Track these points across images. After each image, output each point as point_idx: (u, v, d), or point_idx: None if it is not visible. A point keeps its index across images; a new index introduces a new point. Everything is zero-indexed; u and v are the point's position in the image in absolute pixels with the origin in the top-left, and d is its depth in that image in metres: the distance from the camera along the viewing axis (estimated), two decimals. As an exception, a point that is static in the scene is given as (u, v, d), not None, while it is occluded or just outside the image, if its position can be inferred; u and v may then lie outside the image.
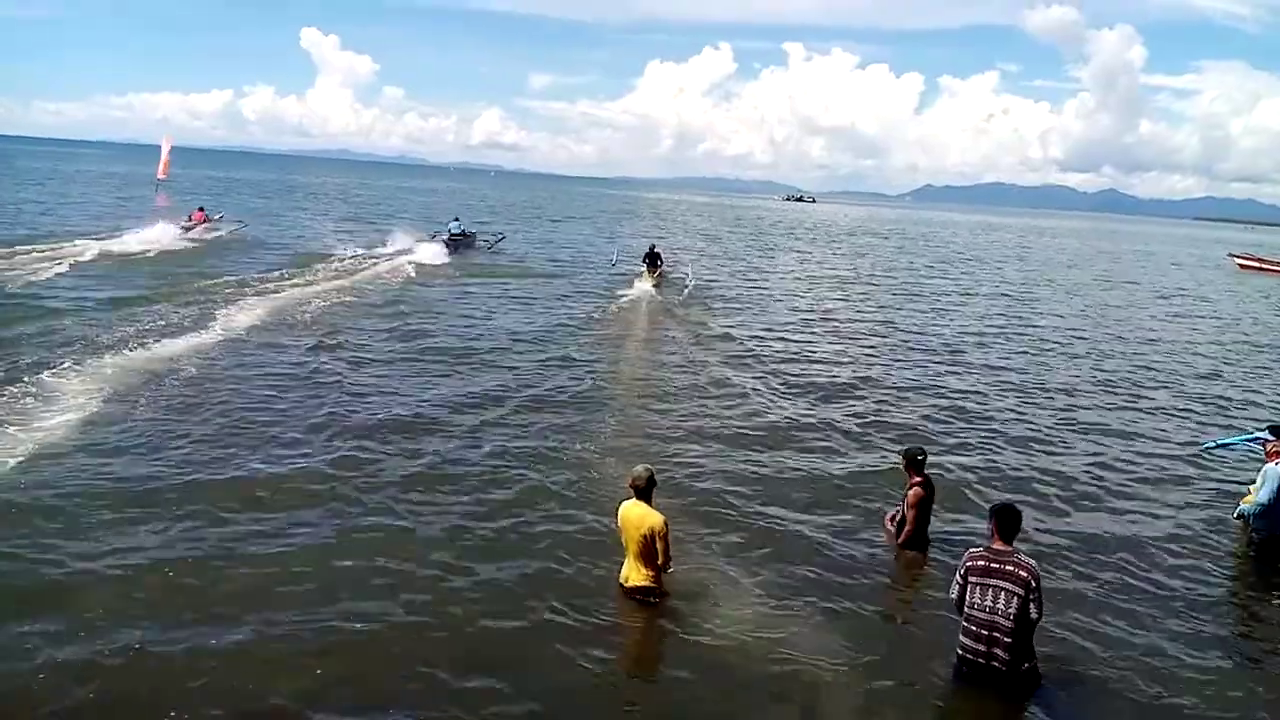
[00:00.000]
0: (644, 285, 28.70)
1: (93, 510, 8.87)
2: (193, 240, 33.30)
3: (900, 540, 9.17)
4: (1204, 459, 13.17)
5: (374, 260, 31.47)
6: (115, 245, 29.60)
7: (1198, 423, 15.85)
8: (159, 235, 31.97)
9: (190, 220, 36.21)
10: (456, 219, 39.77)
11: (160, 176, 59.39)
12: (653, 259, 30.57)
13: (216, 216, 38.62)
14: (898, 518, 9.35)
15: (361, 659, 6.70)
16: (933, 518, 9.36)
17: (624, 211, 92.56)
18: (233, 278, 24.92)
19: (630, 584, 7.74)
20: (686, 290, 28.67)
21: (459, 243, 36.13)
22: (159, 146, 61.57)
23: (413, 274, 29.17)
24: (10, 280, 21.90)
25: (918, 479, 9.07)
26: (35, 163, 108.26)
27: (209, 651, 6.60)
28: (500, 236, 39.86)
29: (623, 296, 27.27)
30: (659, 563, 7.63)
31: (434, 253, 33.56)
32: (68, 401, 12.22)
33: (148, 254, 29.05)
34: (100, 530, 8.46)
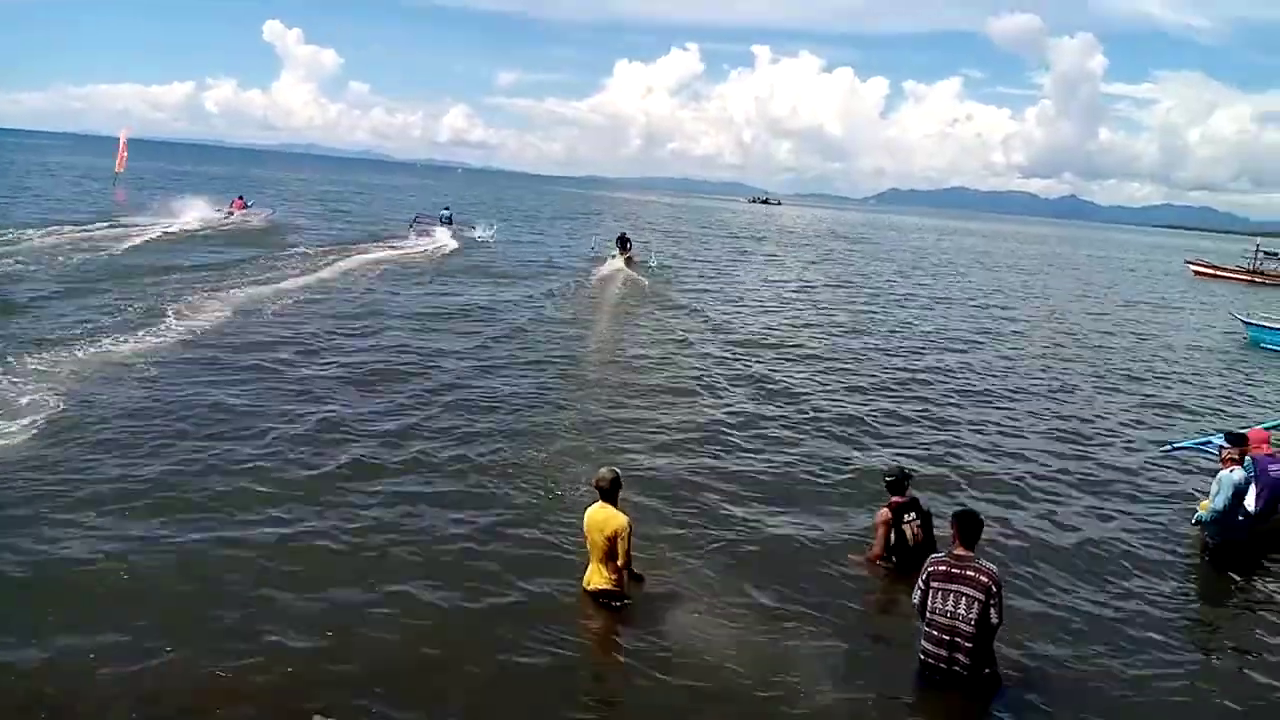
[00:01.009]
0: (616, 264, 34.02)
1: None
2: (234, 224, 39.44)
3: (871, 558, 8.89)
4: (1161, 464, 13.32)
5: (388, 246, 35.79)
6: (175, 226, 35.26)
7: (1155, 427, 16.06)
8: (206, 218, 39.07)
9: (231, 207, 43.36)
10: (446, 207, 48.14)
11: (118, 170, 58.40)
12: (623, 242, 36.74)
13: (250, 204, 45.63)
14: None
15: (316, 668, 6.61)
16: None
17: (594, 212, 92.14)
18: (282, 254, 30.14)
19: (593, 587, 7.69)
20: (651, 267, 35.09)
21: (449, 227, 43.58)
22: (118, 139, 60.57)
23: (423, 255, 34.47)
24: (103, 250, 27.16)
25: (894, 499, 8.80)
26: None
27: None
28: (473, 225, 45.59)
29: (599, 272, 32.50)
30: (620, 564, 7.60)
31: (444, 234, 40.84)
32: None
33: (204, 232, 35.10)
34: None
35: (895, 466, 9.44)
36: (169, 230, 33.78)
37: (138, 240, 30.08)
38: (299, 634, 6.96)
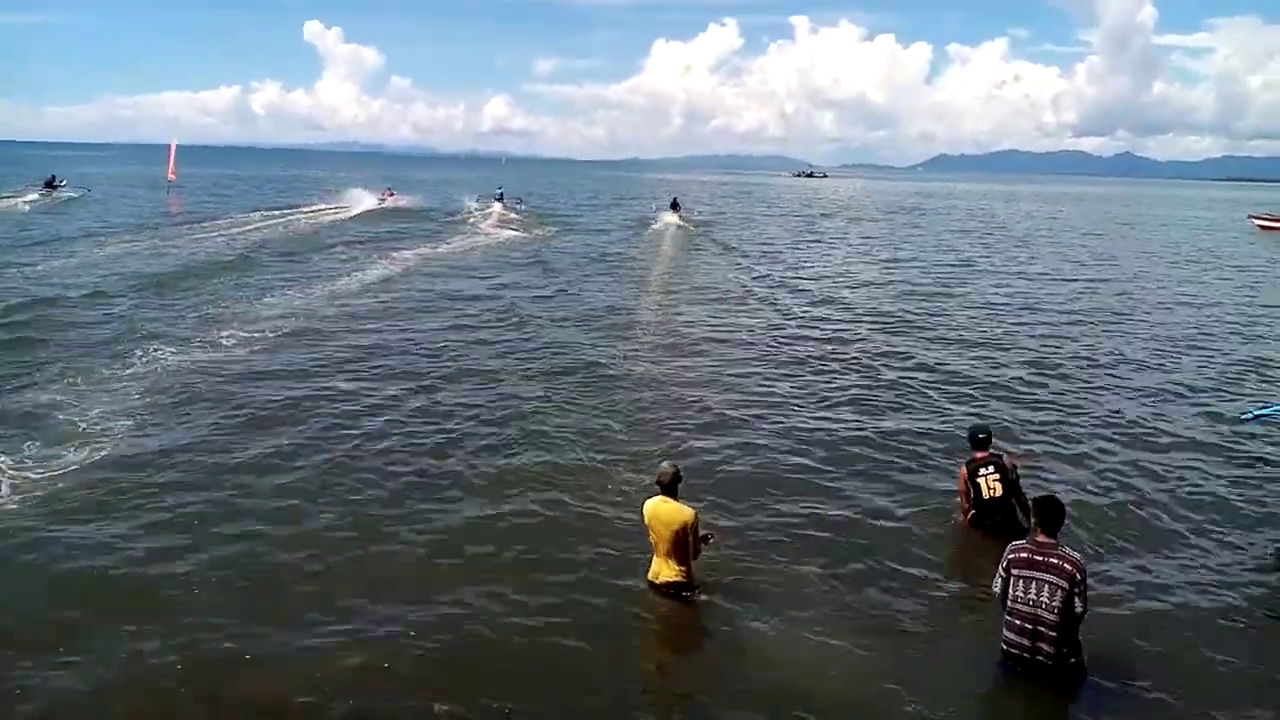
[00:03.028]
0: (670, 219, 48.31)
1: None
2: (389, 207, 53.51)
3: (964, 519, 9.18)
4: (1244, 433, 12.76)
5: (475, 214, 50.21)
6: (355, 208, 50.60)
7: (1231, 395, 15.42)
8: (372, 203, 53.45)
9: (384, 196, 56.97)
10: (500, 187, 59.93)
11: (170, 178, 59.59)
12: (674, 204, 51.28)
13: (395, 193, 59.32)
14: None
15: (385, 660, 6.70)
16: None
17: (637, 196, 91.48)
18: (428, 227, 43.26)
19: (661, 580, 7.64)
20: (692, 219, 49.82)
21: (504, 202, 54.05)
22: (168, 146, 61.91)
23: (501, 221, 46.71)
24: (313, 222, 43.22)
25: (976, 454, 9.02)
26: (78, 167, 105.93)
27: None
28: (521, 200, 57.15)
29: (656, 225, 47.35)
30: (691, 556, 7.57)
31: (499, 208, 52.03)
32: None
33: (377, 211, 50.80)
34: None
35: (978, 424, 9.73)
36: (360, 211, 49.48)
37: (341, 217, 46.29)
38: (363, 626, 7.09)
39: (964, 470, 9.10)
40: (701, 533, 7.67)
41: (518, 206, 54.03)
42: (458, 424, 12.40)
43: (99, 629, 6.95)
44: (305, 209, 50.05)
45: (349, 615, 7.28)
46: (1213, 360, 18.35)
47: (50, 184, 54.97)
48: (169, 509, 9.18)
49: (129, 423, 11.64)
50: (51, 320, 17.72)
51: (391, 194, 58.30)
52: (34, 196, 50.79)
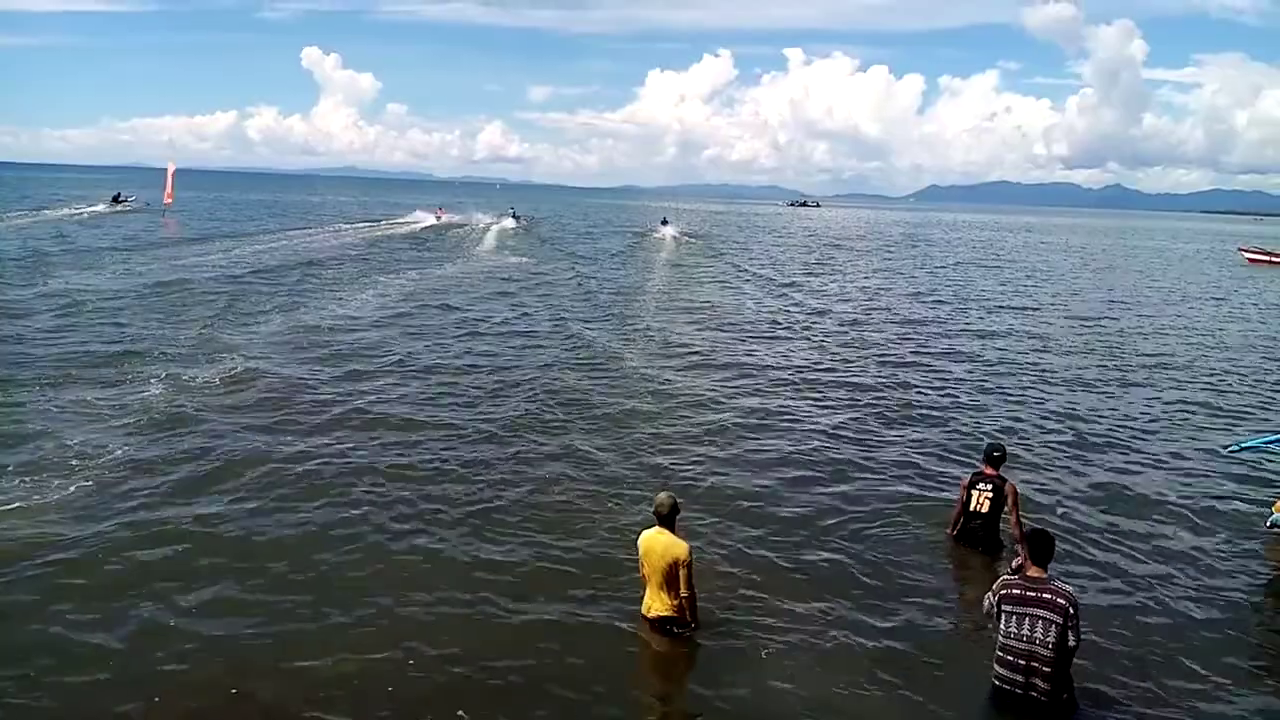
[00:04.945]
0: (665, 231, 67.57)
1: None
2: (444, 223, 66.73)
3: (950, 529, 9.72)
4: (1227, 466, 12.84)
5: (486, 226, 65.49)
6: (415, 225, 64.44)
7: (1217, 426, 15.47)
8: (428, 220, 67.91)
9: (438, 214, 70.99)
10: (512, 206, 77.77)
11: (166, 202, 59.65)
12: (664, 221, 73.97)
13: (447, 211, 75.00)
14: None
15: (386, 686, 6.68)
16: None
17: (636, 223, 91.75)
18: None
19: (653, 614, 7.56)
20: (682, 232, 67.95)
21: (518, 218, 70.92)
22: (165, 170, 62.17)
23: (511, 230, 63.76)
24: (397, 232, 57.99)
25: (985, 469, 9.49)
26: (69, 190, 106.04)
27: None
28: (531, 217, 76.46)
29: (653, 235, 64.64)
30: (683, 593, 7.50)
31: (510, 224, 67.76)
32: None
33: (436, 225, 65.26)
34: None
35: (996, 443, 10.10)
36: (428, 225, 64.98)
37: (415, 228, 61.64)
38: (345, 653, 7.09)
39: (966, 480, 9.64)
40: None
41: (523, 220, 71.23)
42: (459, 444, 12.49)
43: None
44: (388, 221, 67.33)
45: (345, 642, 7.27)
46: (1198, 393, 18.29)
47: (116, 199, 66.27)
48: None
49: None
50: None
51: (444, 211, 74.03)
52: (101, 208, 61.98)
